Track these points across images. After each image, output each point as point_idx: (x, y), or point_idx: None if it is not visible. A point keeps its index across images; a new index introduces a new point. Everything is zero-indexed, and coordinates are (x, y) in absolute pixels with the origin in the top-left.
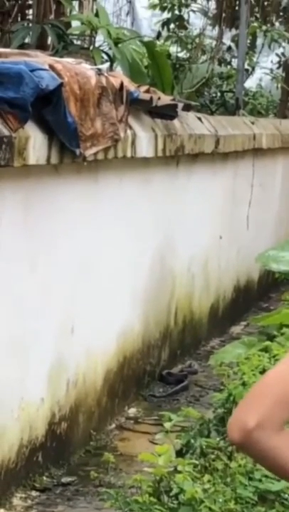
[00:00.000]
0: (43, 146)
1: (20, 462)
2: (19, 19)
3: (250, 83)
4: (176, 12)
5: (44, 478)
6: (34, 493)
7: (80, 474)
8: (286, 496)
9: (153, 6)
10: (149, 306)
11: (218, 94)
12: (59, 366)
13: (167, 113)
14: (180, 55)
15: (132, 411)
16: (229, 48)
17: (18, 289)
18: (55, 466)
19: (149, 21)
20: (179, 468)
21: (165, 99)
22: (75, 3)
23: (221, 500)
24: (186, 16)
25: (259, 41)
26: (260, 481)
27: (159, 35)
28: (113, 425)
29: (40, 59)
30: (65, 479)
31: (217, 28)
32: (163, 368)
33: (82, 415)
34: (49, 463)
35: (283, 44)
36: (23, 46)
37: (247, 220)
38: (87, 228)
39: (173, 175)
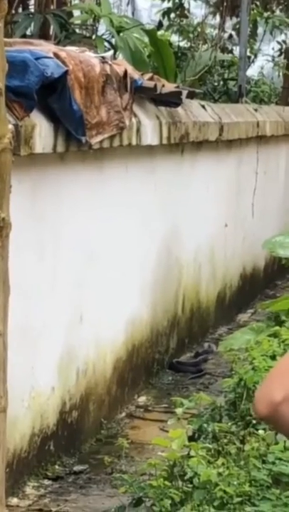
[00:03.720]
0: (49, 135)
1: (32, 451)
2: (21, 9)
3: (252, 71)
4: (177, 1)
5: (56, 466)
6: (46, 482)
7: (91, 462)
8: None
9: None
10: (156, 295)
11: (221, 82)
12: (68, 355)
13: (171, 100)
14: (181, 44)
15: (141, 399)
16: (230, 37)
17: (26, 278)
18: (67, 455)
19: (149, 12)
20: (192, 452)
21: (169, 87)
22: None
23: (235, 483)
24: (186, 5)
25: (260, 29)
26: (273, 463)
27: (160, 25)
28: (123, 414)
29: (45, 47)
30: (77, 468)
31: (218, 16)
32: (172, 356)
33: (92, 404)
34: (61, 452)
35: (285, 31)
36: (25, 36)
37: (252, 208)
38: (94, 217)
39: (178, 163)
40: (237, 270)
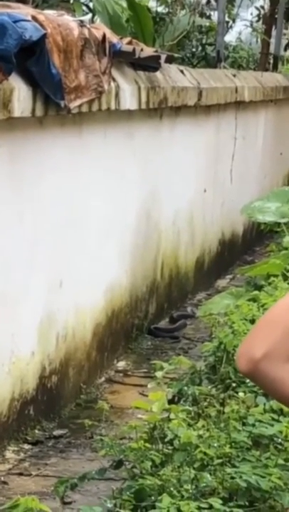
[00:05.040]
0: (28, 98)
1: (12, 416)
2: None
3: (230, 38)
4: None
5: (36, 431)
6: (26, 446)
7: (71, 427)
8: (279, 440)
9: None
10: (136, 261)
11: (199, 47)
12: (48, 320)
13: (150, 65)
14: (159, 9)
15: (121, 364)
16: (208, 2)
17: (5, 243)
18: (47, 420)
19: None
20: (173, 415)
21: (148, 51)
22: None
23: (215, 445)
24: None
25: None
26: (253, 425)
27: None
28: (103, 378)
29: (23, 10)
30: (56, 432)
31: None
32: (151, 322)
33: (72, 369)
34: (40, 416)
35: None
36: (1, 1)
37: (230, 174)
38: (73, 181)
39: (156, 128)
40: (216, 236)
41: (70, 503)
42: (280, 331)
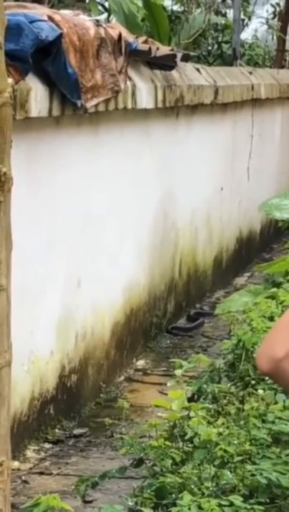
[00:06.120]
0: (45, 98)
1: (32, 415)
2: None
3: (246, 35)
4: None
5: (56, 430)
6: (47, 445)
7: (91, 426)
8: None
9: None
10: (153, 259)
11: (215, 45)
12: (67, 319)
13: (166, 63)
14: (175, 7)
15: (140, 363)
16: (224, 0)
17: (23, 242)
18: (67, 419)
19: None
20: (192, 412)
21: (164, 50)
22: None
23: (235, 442)
24: None
25: None
26: (273, 422)
27: None
28: (122, 377)
29: (39, 11)
30: (77, 431)
31: None
32: (169, 320)
33: (91, 368)
34: (60, 415)
35: None
36: (18, 0)
37: (247, 171)
38: (90, 181)
39: (173, 126)
40: (233, 234)
41: (91, 501)
42: None
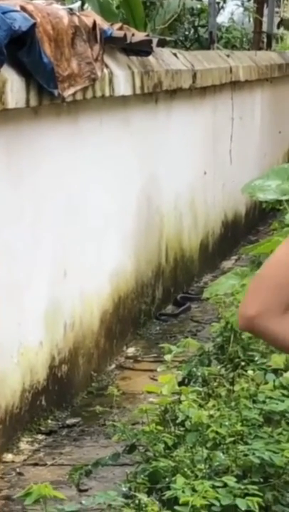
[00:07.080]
0: (21, 89)
1: (24, 407)
2: None
3: (222, 18)
4: None
5: (49, 421)
6: (40, 437)
7: (84, 415)
8: None
9: None
10: (139, 246)
11: (192, 29)
12: (54, 310)
13: (142, 49)
14: None
15: (130, 350)
16: None
17: (7, 235)
18: (59, 409)
19: None
20: (183, 396)
21: (139, 36)
22: None
23: (227, 423)
24: None
25: None
26: (264, 402)
27: None
28: (113, 365)
29: (11, 1)
30: (69, 421)
31: None
32: (158, 306)
33: (81, 357)
34: (52, 406)
35: None
36: None
37: (230, 154)
38: (71, 170)
39: (152, 112)
40: (218, 217)
41: (86, 490)
42: (271, 286)
